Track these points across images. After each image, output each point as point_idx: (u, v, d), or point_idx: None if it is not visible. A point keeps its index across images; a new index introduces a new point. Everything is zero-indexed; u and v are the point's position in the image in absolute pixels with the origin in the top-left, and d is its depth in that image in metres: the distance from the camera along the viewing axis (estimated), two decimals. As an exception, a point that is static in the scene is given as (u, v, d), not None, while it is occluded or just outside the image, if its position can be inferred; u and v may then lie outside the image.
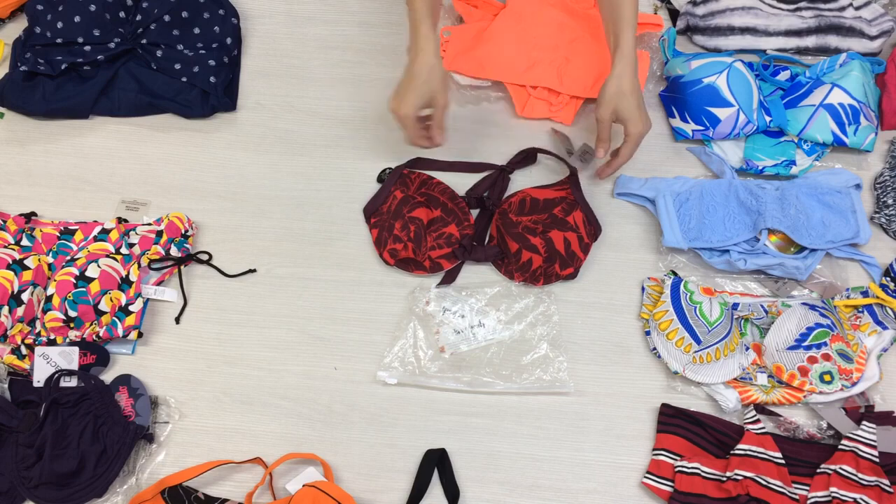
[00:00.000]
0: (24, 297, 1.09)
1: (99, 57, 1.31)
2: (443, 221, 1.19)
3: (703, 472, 1.04)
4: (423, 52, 1.12)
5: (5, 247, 1.16)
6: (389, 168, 1.27)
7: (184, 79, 1.32)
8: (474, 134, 1.34)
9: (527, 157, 1.29)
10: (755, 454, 1.04)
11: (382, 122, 1.32)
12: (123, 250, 1.18)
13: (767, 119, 1.29)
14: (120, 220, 1.21)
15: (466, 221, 1.20)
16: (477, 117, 1.36)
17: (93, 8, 1.30)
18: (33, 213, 1.22)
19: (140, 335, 1.13)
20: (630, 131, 1.17)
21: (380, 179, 1.27)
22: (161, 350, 1.15)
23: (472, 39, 1.36)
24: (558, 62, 1.35)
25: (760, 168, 1.28)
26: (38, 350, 1.09)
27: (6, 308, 1.07)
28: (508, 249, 1.17)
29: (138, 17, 1.33)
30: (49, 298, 1.10)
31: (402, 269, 1.20)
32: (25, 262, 1.11)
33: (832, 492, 1.03)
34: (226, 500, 1.03)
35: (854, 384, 1.10)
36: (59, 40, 1.31)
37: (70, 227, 1.21)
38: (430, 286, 1.19)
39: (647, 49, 1.40)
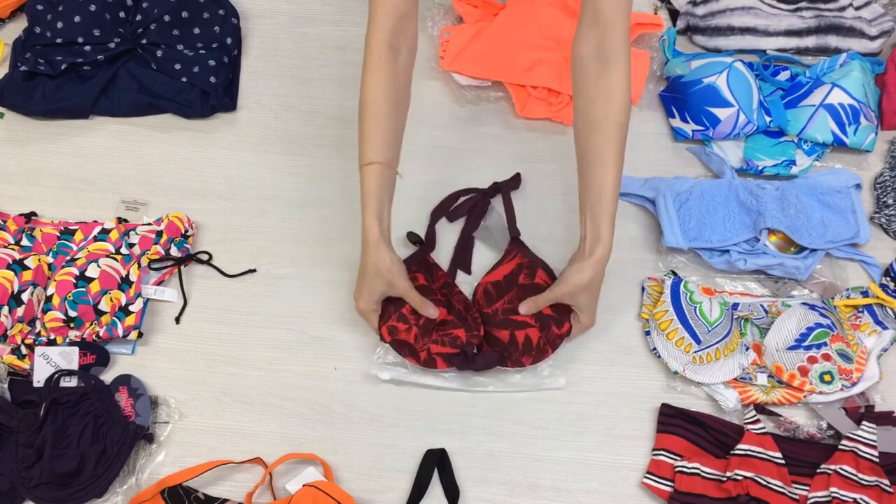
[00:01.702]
0: (24, 297, 1.09)
1: (99, 57, 1.31)
2: (454, 325, 1.11)
3: (703, 472, 1.04)
4: (366, 244, 1.06)
5: (5, 247, 1.16)
6: (414, 233, 1.22)
7: (184, 79, 1.32)
8: (474, 134, 1.34)
9: (511, 181, 1.26)
10: (755, 454, 1.04)
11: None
12: (123, 250, 1.18)
13: (767, 119, 1.29)
14: (120, 220, 1.21)
15: (476, 331, 1.11)
16: (477, 117, 1.36)
17: (93, 8, 1.30)
18: (33, 213, 1.22)
19: (140, 335, 1.13)
20: (583, 322, 1.11)
21: (411, 240, 1.22)
22: (161, 350, 1.15)
23: (472, 39, 1.36)
24: (558, 62, 1.35)
25: (760, 168, 1.28)
26: (38, 350, 1.09)
27: (6, 308, 1.07)
28: (501, 342, 1.10)
29: (138, 17, 1.33)
30: (49, 298, 1.10)
31: (394, 350, 1.10)
32: (25, 262, 1.11)
33: (832, 492, 1.03)
34: (226, 500, 1.03)
35: (854, 384, 1.10)
36: (59, 40, 1.31)
37: (70, 227, 1.21)
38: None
39: (648, 49, 1.40)
